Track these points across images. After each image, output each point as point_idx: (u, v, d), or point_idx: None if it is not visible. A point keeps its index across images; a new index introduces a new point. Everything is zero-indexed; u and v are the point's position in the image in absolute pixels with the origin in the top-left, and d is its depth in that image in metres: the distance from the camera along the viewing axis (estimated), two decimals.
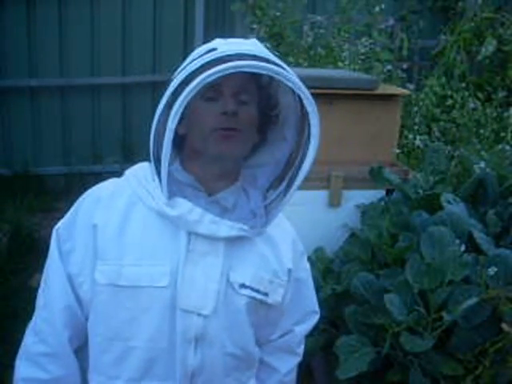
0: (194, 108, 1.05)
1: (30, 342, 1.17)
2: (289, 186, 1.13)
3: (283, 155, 1.16)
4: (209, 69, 0.98)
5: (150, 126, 1.06)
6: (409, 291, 1.95)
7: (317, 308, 1.36)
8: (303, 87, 1.02)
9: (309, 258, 2.46)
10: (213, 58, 1.00)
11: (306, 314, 1.33)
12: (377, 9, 4.34)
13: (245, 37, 4.24)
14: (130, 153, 4.72)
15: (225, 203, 1.12)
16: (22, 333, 1.19)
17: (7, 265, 3.43)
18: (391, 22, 4.61)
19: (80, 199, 1.18)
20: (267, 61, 1.01)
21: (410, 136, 3.42)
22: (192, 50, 1.12)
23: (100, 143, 4.90)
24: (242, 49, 1.02)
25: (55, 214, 3.81)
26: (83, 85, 4.78)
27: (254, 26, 4.23)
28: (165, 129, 1.01)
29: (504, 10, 4.42)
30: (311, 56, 4.09)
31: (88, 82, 4.78)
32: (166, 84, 1.05)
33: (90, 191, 1.18)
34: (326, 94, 2.48)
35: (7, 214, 4.01)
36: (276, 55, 1.08)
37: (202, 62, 1.00)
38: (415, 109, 3.84)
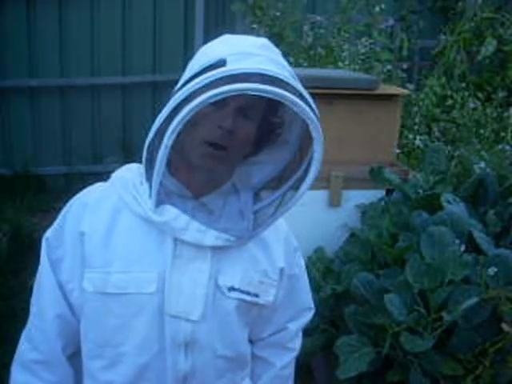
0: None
1: (23, 348, 1.18)
2: (281, 203, 1.11)
3: (283, 158, 1.14)
4: (213, 87, 0.95)
5: (149, 128, 1.03)
6: (409, 291, 1.95)
7: (311, 304, 1.35)
8: (309, 111, 0.99)
9: (309, 258, 2.48)
10: (220, 76, 0.96)
11: (301, 311, 1.33)
12: (377, 9, 4.34)
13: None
14: (130, 153, 4.72)
15: (212, 207, 1.11)
16: (22, 333, 1.19)
17: (7, 265, 3.44)
18: (391, 22, 4.61)
19: (67, 206, 1.17)
20: (275, 79, 0.98)
21: (410, 136, 3.42)
22: (192, 51, 1.09)
23: (100, 143, 4.90)
24: (251, 67, 0.98)
25: (55, 214, 3.80)
26: (83, 85, 4.78)
27: (254, 26, 4.23)
28: (161, 139, 0.99)
29: (504, 9, 4.42)
30: (311, 56, 4.09)
31: (88, 82, 4.78)
32: (168, 94, 1.02)
33: (76, 197, 1.17)
34: (326, 94, 2.48)
35: (7, 213, 4.01)
36: (289, 63, 1.05)
37: (208, 80, 0.96)
38: (415, 109, 3.84)
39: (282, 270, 1.20)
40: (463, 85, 4.00)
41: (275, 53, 1.07)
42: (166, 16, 4.76)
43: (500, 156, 2.79)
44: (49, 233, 1.17)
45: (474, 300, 1.79)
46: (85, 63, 4.73)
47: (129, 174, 1.14)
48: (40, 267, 1.17)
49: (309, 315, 1.35)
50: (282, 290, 1.22)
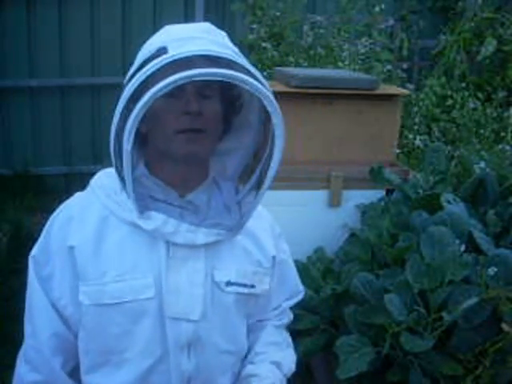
0: (153, 106, 0.98)
1: (22, 370, 1.16)
2: (259, 185, 1.10)
3: (251, 141, 1.13)
4: (159, 77, 0.93)
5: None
6: (409, 291, 1.95)
7: (301, 287, 1.37)
8: (261, 87, 0.97)
9: (309, 258, 2.48)
10: (161, 64, 0.94)
11: (292, 294, 1.35)
12: (377, 9, 4.34)
13: (244, 37, 4.26)
14: None
15: (198, 203, 1.11)
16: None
17: (7, 265, 3.43)
18: (391, 22, 4.61)
19: (50, 221, 1.14)
20: (220, 60, 0.96)
21: (410, 136, 3.42)
22: None
23: (100, 143, 4.90)
24: (192, 49, 0.95)
25: None
26: (83, 85, 4.78)
27: (254, 26, 4.23)
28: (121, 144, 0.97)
29: (504, 9, 4.42)
30: (311, 56, 4.08)
31: (88, 82, 4.78)
32: (122, 88, 0.99)
33: (58, 211, 1.15)
34: (326, 94, 2.48)
35: (7, 214, 4.00)
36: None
37: (150, 71, 0.94)
38: (415, 109, 3.84)
39: (273, 258, 1.21)
40: (463, 85, 4.00)
41: (220, 35, 1.05)
42: (166, 16, 4.76)
43: (500, 156, 2.79)
44: (35, 251, 1.14)
45: (473, 300, 1.79)
46: (85, 63, 4.72)
47: (108, 180, 1.12)
48: (29, 286, 1.14)
49: (299, 297, 1.37)
50: (274, 278, 1.23)
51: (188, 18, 4.76)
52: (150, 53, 0.99)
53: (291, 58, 3.98)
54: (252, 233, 1.17)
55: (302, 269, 2.27)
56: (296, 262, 1.38)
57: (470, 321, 1.83)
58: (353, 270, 2.22)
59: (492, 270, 1.87)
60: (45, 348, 1.12)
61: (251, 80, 0.96)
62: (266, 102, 0.99)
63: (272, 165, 1.06)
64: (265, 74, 3.70)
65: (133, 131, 0.95)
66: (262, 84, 0.98)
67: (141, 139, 1.07)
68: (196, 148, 1.05)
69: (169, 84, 0.92)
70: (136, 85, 0.96)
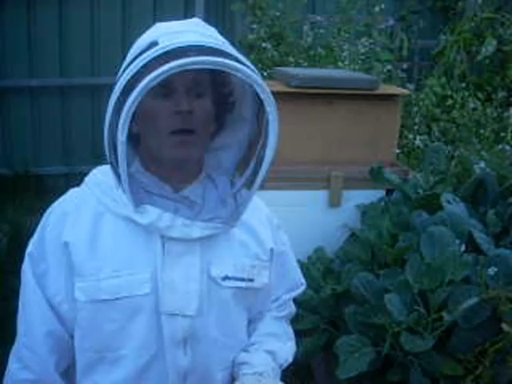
0: (145, 106, 0.99)
1: (14, 368, 1.14)
2: (254, 175, 1.09)
3: (245, 135, 1.12)
4: (151, 69, 0.92)
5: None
6: (409, 291, 1.95)
7: (302, 280, 1.36)
8: (253, 74, 0.97)
9: (309, 258, 2.48)
10: (154, 55, 0.94)
11: (293, 287, 1.34)
12: (377, 9, 4.34)
13: (244, 37, 4.25)
14: None
15: (193, 198, 1.10)
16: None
17: (7, 265, 3.43)
18: (391, 22, 4.62)
19: (44, 217, 1.13)
20: (212, 50, 0.96)
21: (410, 136, 3.42)
22: None
23: (100, 143, 4.87)
24: (184, 40, 0.95)
25: None
26: (83, 85, 4.78)
27: (254, 26, 4.23)
28: (116, 138, 0.97)
29: (504, 10, 4.42)
30: (311, 56, 4.09)
31: (88, 82, 4.78)
32: (113, 84, 0.99)
33: (53, 207, 1.14)
34: (326, 94, 2.48)
35: (7, 214, 4.01)
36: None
37: (143, 62, 0.94)
38: (415, 109, 3.84)
39: (271, 251, 1.20)
40: (463, 85, 4.00)
41: (210, 30, 1.05)
42: (166, 16, 4.75)
43: (500, 156, 2.79)
44: (31, 247, 1.13)
45: (474, 300, 1.79)
46: (85, 63, 4.72)
47: (103, 176, 1.12)
48: (23, 284, 1.13)
49: (300, 289, 1.36)
50: (273, 270, 1.22)
51: (188, 18, 4.75)
52: (140, 49, 0.99)
53: (291, 58, 3.98)
54: (249, 226, 1.17)
55: (302, 269, 2.27)
56: (296, 261, 1.38)
57: (470, 321, 1.84)
58: (353, 269, 2.22)
59: (492, 270, 1.87)
60: (39, 347, 1.11)
61: (243, 67, 0.96)
62: (258, 89, 0.99)
63: (267, 152, 1.05)
64: (265, 74, 3.70)
65: (127, 122, 0.95)
66: (254, 72, 0.98)
67: (134, 140, 1.07)
68: (186, 152, 1.04)
69: (163, 73, 0.91)
70: (128, 77, 0.95)
